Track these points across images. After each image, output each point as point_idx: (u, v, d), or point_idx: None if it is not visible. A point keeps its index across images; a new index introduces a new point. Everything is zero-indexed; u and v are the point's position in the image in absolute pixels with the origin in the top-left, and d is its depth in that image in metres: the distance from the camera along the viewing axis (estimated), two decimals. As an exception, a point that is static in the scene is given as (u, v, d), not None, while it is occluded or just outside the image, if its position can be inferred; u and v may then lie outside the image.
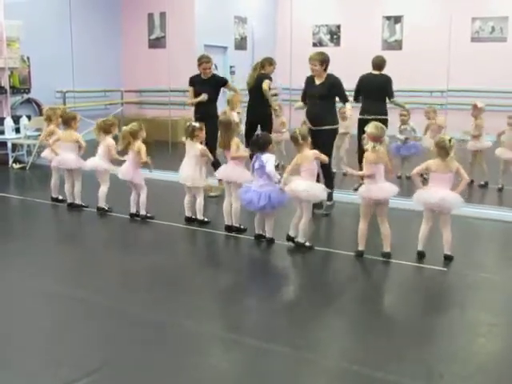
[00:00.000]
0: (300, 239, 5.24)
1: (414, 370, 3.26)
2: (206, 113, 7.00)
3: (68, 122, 6.65)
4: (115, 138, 6.50)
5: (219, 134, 5.80)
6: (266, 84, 7.08)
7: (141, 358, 3.35)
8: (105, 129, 6.39)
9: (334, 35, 13.48)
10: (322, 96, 6.23)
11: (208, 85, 7.12)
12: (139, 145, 6.07)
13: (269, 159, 5.22)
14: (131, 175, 6.12)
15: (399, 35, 12.84)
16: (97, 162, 6.42)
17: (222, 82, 7.35)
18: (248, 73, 7.46)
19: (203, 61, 7.08)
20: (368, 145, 4.95)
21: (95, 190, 6.47)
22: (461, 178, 4.81)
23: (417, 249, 4.98)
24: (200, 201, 5.96)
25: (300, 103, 6.61)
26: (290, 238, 5.32)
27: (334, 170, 7.15)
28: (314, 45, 13.59)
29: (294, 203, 5.30)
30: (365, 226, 5.01)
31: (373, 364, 3.29)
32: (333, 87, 6.25)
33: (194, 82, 7.24)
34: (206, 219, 5.98)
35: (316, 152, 5.26)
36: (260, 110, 7.20)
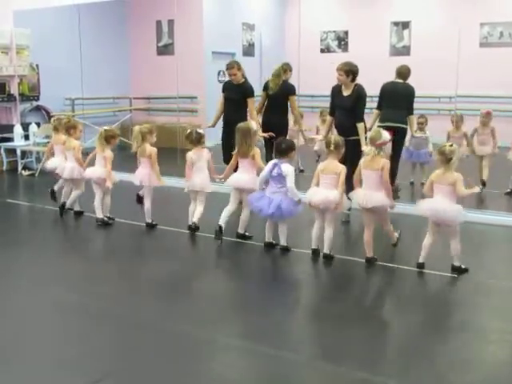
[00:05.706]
0: (326, 250, 5.09)
1: (425, 378, 3.23)
2: (233, 120, 6.73)
3: (68, 130, 6.69)
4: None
5: (237, 141, 5.62)
6: (295, 105, 7.12)
7: (148, 366, 3.34)
8: (106, 138, 6.27)
9: (342, 41, 13.46)
10: (349, 108, 6.20)
11: (236, 91, 7.04)
12: (150, 149, 6.05)
13: (289, 173, 5.09)
14: (148, 180, 6.07)
15: (407, 41, 12.79)
16: (98, 171, 6.30)
17: (247, 93, 7.04)
18: (269, 77, 7.13)
19: (227, 67, 7.09)
20: (367, 149, 4.92)
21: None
22: (457, 191, 4.56)
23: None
24: (200, 209, 5.89)
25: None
26: (315, 252, 5.17)
27: None
28: (322, 51, 13.58)
29: (315, 213, 5.18)
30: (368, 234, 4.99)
31: (385, 373, 3.27)
32: (357, 101, 6.17)
33: (225, 87, 7.24)
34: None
35: (343, 171, 5.01)
36: (277, 119, 7.04)
